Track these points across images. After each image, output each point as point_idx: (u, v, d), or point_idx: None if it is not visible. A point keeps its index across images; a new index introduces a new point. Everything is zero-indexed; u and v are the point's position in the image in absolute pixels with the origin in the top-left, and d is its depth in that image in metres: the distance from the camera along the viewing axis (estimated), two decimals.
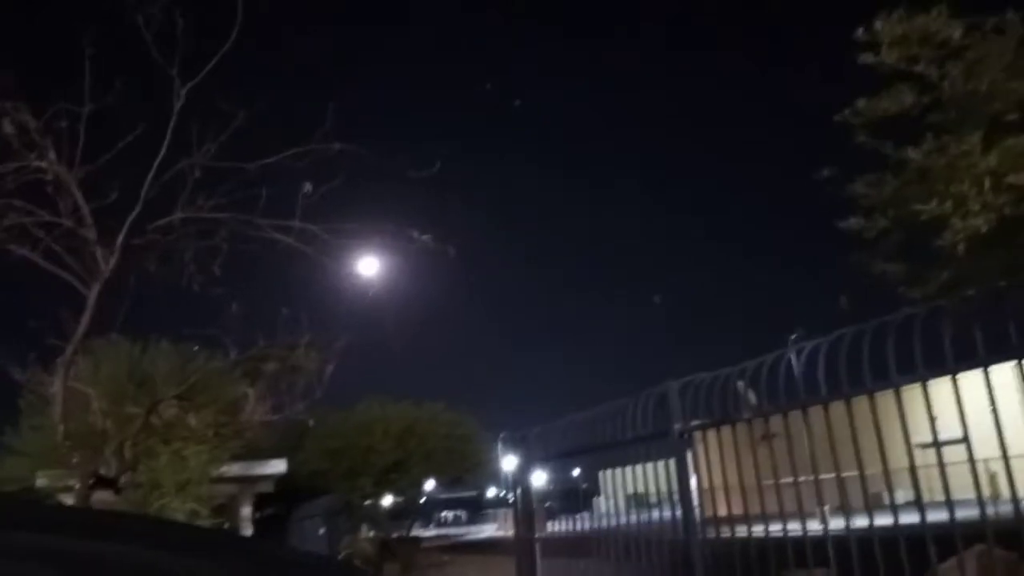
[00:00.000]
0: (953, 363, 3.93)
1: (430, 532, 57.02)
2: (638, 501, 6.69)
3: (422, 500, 32.65)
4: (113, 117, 7.57)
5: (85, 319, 7.61)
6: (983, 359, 3.85)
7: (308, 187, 7.72)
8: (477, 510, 77.36)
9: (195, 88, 7.73)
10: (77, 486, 8.82)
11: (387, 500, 28.05)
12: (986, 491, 4.11)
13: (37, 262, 7.70)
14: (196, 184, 7.85)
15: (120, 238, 7.65)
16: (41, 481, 12.88)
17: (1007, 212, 5.25)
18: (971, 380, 3.96)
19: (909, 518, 4.26)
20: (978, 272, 5.22)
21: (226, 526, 15.87)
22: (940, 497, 4.11)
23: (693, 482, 6.02)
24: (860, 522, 4.48)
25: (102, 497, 9.48)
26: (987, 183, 5.41)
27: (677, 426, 5.81)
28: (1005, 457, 3.89)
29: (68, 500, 11.55)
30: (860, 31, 6.02)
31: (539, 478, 8.46)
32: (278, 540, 21.04)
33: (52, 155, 7.53)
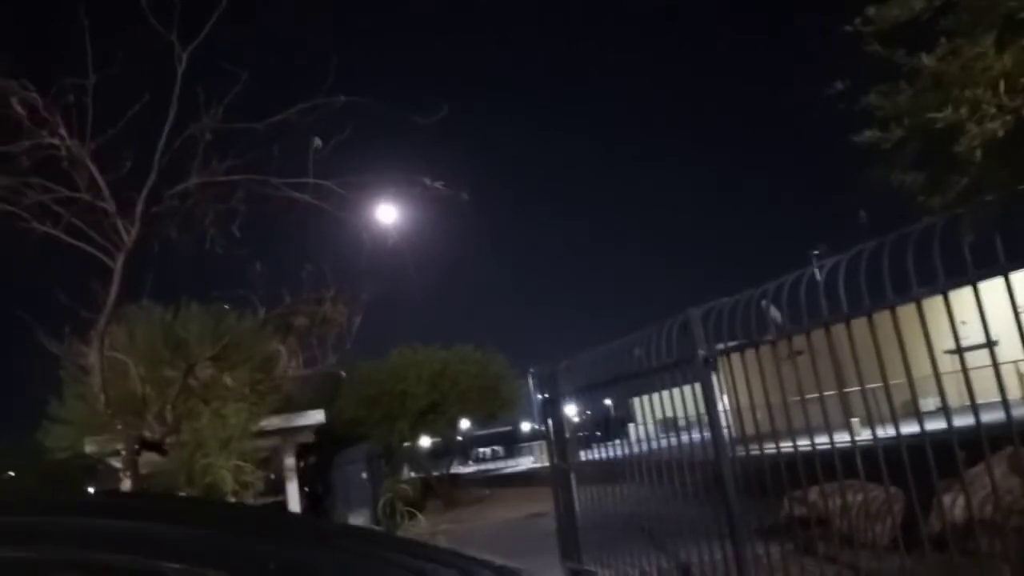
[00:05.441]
0: (974, 270, 3.92)
1: (469, 469, 58.30)
2: (668, 425, 6.82)
3: (459, 439, 33.27)
4: (118, 88, 7.59)
5: (114, 289, 7.76)
6: (1003, 266, 3.84)
7: (318, 142, 7.74)
8: (513, 444, 78.72)
9: (197, 53, 7.71)
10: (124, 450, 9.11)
11: (425, 441, 28.65)
12: (1016, 392, 4.14)
13: (61, 237, 7.83)
14: (208, 148, 7.90)
15: (139, 207, 7.74)
16: (90, 447, 13.29)
17: (1023, 114, 5.16)
18: (993, 288, 3.95)
19: (936, 425, 4.31)
20: (996, 177, 5.15)
21: (272, 477, 16.34)
22: (968, 403, 4.15)
23: (722, 403, 6.13)
24: (887, 432, 4.54)
25: (149, 458, 9.78)
26: (1002, 85, 5.30)
27: (701, 352, 5.88)
28: None
29: (116, 464, 11.94)
30: None
31: (570, 409, 8.62)
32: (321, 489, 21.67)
33: (63, 130, 7.58)
